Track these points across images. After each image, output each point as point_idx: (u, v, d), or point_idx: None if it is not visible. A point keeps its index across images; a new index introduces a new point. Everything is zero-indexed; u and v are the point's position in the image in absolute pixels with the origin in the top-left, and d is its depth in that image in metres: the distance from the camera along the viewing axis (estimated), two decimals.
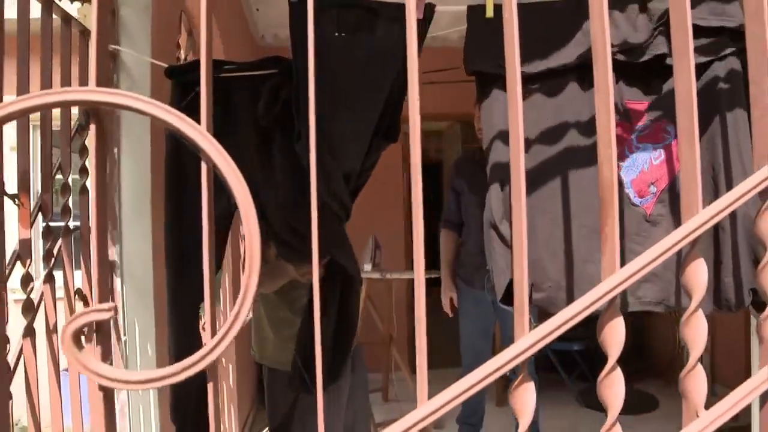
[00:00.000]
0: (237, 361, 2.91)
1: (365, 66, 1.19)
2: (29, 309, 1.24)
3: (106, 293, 0.56)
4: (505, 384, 3.14)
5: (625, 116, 1.19)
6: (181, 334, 1.46)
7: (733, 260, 1.11)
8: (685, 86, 0.62)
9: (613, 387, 0.56)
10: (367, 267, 3.31)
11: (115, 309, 0.53)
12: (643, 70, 1.17)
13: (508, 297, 1.17)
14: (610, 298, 0.58)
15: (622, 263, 1.20)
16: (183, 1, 2.35)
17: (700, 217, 0.61)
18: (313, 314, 1.74)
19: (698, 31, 1.12)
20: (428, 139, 6.23)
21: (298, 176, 1.32)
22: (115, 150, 1.68)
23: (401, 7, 1.29)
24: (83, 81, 1.56)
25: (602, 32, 0.64)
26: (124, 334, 1.69)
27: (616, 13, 1.15)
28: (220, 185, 1.66)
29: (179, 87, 1.48)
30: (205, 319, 0.56)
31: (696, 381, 0.61)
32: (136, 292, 1.69)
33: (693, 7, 1.09)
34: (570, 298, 1.14)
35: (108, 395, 0.55)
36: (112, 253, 1.67)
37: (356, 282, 1.57)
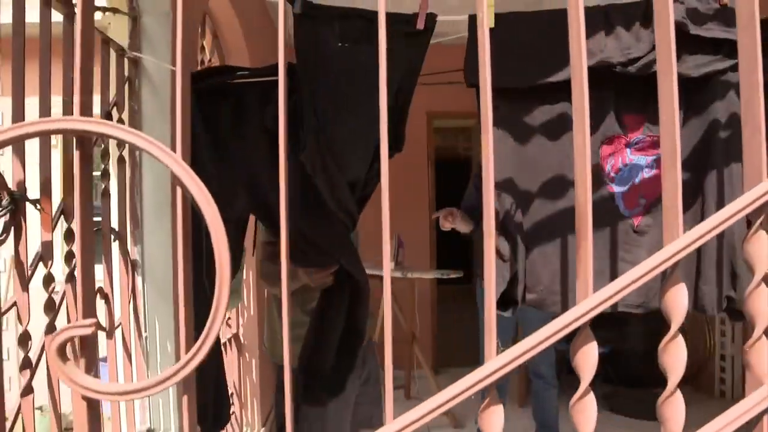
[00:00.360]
0: (260, 356, 2.98)
1: (366, 76, 1.20)
2: (51, 308, 1.30)
3: (92, 310, 0.59)
4: (527, 385, 3.12)
5: (622, 128, 1.19)
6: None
7: (716, 270, 1.12)
8: (668, 108, 0.60)
9: (585, 412, 0.56)
10: (390, 265, 3.31)
11: (97, 324, 0.56)
12: (642, 83, 1.16)
13: (500, 306, 1.18)
14: (582, 323, 0.58)
15: (613, 270, 1.19)
16: (206, 4, 2.40)
17: (681, 241, 0.60)
18: (322, 317, 1.77)
19: (707, 42, 1.09)
20: (456, 136, 6.19)
21: (306, 182, 1.34)
22: (137, 152, 1.74)
23: (401, 18, 1.30)
24: (104, 87, 1.60)
25: (579, 53, 0.63)
26: (145, 331, 1.75)
27: (619, 26, 1.13)
28: (235, 189, 1.69)
29: (195, 94, 1.51)
30: (180, 332, 0.58)
31: (674, 408, 0.60)
32: (157, 291, 1.76)
33: (706, 21, 1.06)
34: (564, 301, 1.15)
35: (92, 404, 0.58)
36: (134, 253, 1.73)
37: (364, 289, 1.58)
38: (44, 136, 1.31)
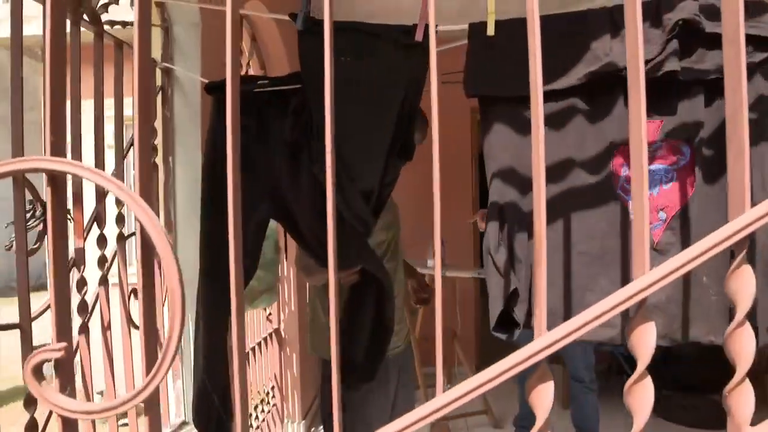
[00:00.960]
0: (301, 350, 3.05)
1: (370, 89, 1.20)
2: (84, 309, 1.39)
3: (67, 334, 0.63)
4: (569, 389, 3.04)
5: None
6: (209, 346, 1.55)
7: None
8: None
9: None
10: (430, 263, 3.31)
11: (67, 349, 0.59)
12: (654, 86, 1.07)
13: (501, 326, 1.14)
14: (540, 359, 0.56)
15: None
16: (243, 6, 2.46)
17: (647, 277, 0.57)
18: (351, 311, 1.81)
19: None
20: None
21: (322, 191, 1.36)
22: (170, 159, 1.82)
23: (399, 30, 1.28)
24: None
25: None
26: None
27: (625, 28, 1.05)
28: (260, 195, 1.73)
29: (218, 102, 1.56)
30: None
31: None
32: (190, 292, 1.83)
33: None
34: None
35: (67, 422, 0.61)
36: None
37: (387, 286, 1.61)
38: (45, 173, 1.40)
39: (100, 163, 1.48)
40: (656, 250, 1.09)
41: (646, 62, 1.02)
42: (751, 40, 0.98)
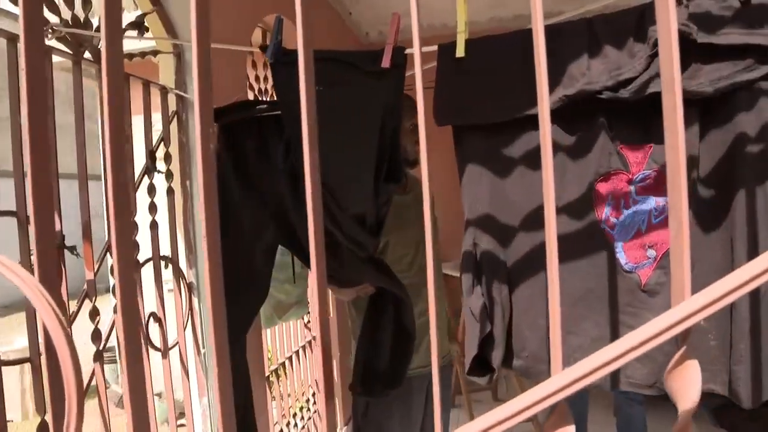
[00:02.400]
0: (341, 357, 3.07)
1: (347, 117, 1.16)
2: (97, 337, 1.45)
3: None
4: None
5: (622, 164, 0.97)
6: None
7: (752, 343, 0.85)
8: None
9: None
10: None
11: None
12: (640, 108, 0.94)
13: (476, 371, 1.07)
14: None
15: (614, 336, 1.00)
16: (261, 17, 2.47)
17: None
18: (371, 320, 1.82)
19: (723, 50, 0.88)
20: None
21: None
22: (188, 183, 1.86)
23: (367, 56, 1.23)
24: (147, 129, 1.73)
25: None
26: (203, 347, 1.89)
27: (606, 42, 0.93)
28: (266, 221, 1.75)
29: (220, 129, 1.58)
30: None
31: None
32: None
33: (722, 25, 0.85)
34: (550, 371, 0.99)
35: None
36: (190, 275, 1.87)
37: (403, 296, 1.58)
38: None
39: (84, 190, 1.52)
40: (644, 291, 0.97)
41: (629, 81, 0.90)
42: (750, 51, 0.85)
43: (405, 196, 1.91)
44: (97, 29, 1.47)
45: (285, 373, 2.70)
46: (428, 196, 0.58)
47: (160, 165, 1.78)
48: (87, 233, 1.42)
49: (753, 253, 0.85)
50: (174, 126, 1.84)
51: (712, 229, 0.91)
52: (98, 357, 1.45)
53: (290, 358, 2.73)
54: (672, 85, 0.39)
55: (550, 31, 1.03)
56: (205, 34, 0.58)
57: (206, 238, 0.57)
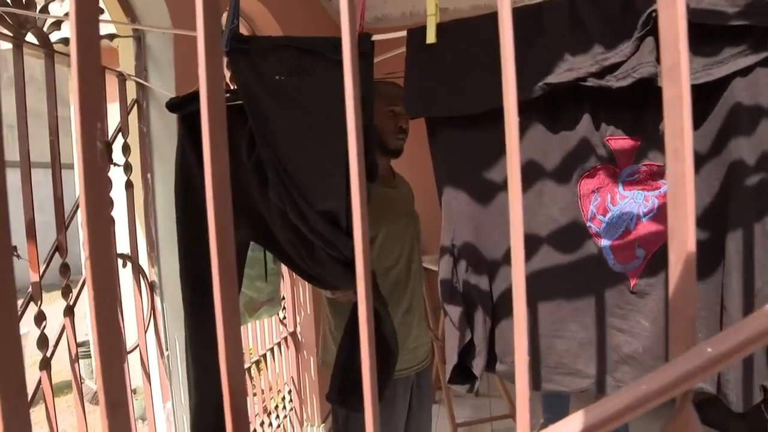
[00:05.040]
0: (317, 353, 2.99)
1: (311, 107, 1.06)
2: (44, 344, 1.34)
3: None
4: None
5: (609, 158, 0.89)
6: (199, 363, 1.49)
7: None
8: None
9: None
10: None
11: None
12: (628, 96, 0.86)
13: (457, 379, 0.99)
14: None
15: (602, 339, 0.94)
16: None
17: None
18: (351, 330, 1.74)
19: (718, 33, 0.80)
20: None
21: (288, 215, 1.25)
22: (148, 175, 1.75)
23: (332, 43, 1.13)
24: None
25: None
26: (167, 350, 1.79)
27: (590, 23, 0.84)
28: (238, 215, 1.65)
29: (181, 118, 1.47)
30: None
31: None
32: (175, 310, 1.78)
33: (715, 6, 0.77)
34: (537, 376, 0.92)
35: None
36: (152, 274, 1.76)
37: (380, 312, 1.50)
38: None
39: (57, 182, 1.41)
40: (633, 292, 0.90)
41: (616, 66, 0.82)
42: (748, 33, 0.77)
43: (393, 189, 1.82)
44: (42, 9, 1.35)
45: (259, 371, 2.61)
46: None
47: (119, 158, 1.67)
48: (31, 231, 1.31)
49: (747, 253, 0.78)
50: (134, 115, 1.72)
51: (703, 227, 0.84)
52: (45, 365, 1.35)
53: (264, 356, 2.65)
54: (676, 73, 0.30)
55: (529, 11, 0.94)
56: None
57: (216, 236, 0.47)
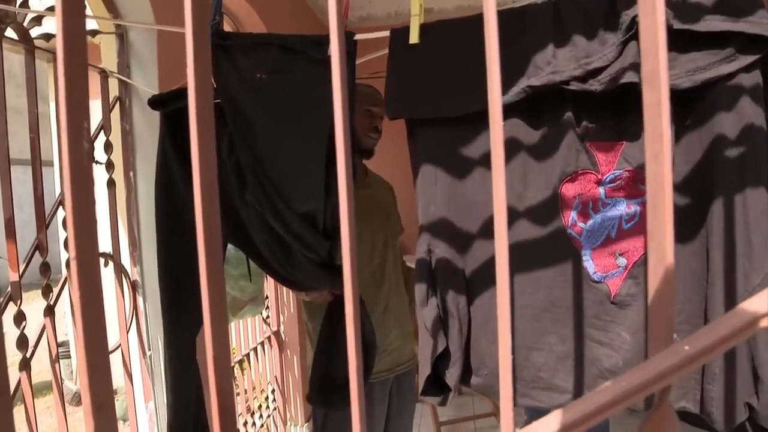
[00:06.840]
0: (301, 352, 2.98)
1: (291, 106, 1.06)
2: (24, 344, 1.32)
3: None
4: None
5: (591, 163, 0.90)
6: (177, 363, 1.48)
7: (726, 363, 0.80)
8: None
9: None
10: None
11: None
12: (611, 101, 0.87)
13: (430, 391, 0.98)
14: None
15: (581, 352, 0.94)
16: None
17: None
18: (327, 332, 1.73)
19: (702, 38, 0.81)
20: None
21: (265, 218, 1.24)
22: (131, 174, 1.73)
23: (313, 41, 1.13)
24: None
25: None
26: (149, 349, 1.77)
27: (574, 27, 0.85)
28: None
29: (164, 116, 1.45)
30: None
31: None
32: (157, 310, 1.76)
33: (703, 11, 0.78)
34: (513, 389, 0.92)
35: None
36: (134, 273, 1.75)
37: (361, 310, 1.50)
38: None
39: (37, 180, 1.39)
40: (614, 303, 0.90)
41: (599, 71, 0.82)
42: (731, 40, 0.79)
43: (364, 190, 1.82)
44: (22, 4, 1.33)
45: (242, 370, 2.60)
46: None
47: (101, 155, 1.65)
48: (10, 229, 1.28)
49: (730, 263, 0.79)
50: (116, 113, 1.70)
51: (687, 238, 0.85)
52: (24, 366, 1.33)
53: (247, 356, 2.63)
54: (655, 80, 0.31)
55: (512, 14, 0.95)
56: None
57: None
